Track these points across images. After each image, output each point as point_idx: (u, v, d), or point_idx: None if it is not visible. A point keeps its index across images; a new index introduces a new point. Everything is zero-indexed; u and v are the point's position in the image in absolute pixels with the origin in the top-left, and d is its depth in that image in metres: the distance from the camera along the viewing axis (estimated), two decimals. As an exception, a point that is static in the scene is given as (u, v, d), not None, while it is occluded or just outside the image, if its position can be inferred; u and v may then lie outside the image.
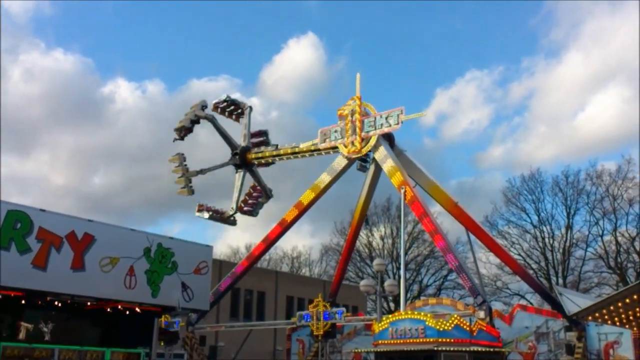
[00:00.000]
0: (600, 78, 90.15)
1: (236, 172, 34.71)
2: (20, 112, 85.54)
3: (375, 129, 28.50)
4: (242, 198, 34.79)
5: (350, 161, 29.76)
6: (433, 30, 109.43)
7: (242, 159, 34.15)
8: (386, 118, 28.25)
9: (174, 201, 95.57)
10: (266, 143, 34.93)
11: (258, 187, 35.16)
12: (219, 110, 34.77)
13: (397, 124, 27.97)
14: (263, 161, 34.09)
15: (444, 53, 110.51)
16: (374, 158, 29.39)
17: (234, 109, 35.18)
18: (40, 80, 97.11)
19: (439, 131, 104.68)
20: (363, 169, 29.73)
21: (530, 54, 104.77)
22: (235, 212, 34.15)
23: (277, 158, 33.47)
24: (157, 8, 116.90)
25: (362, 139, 28.79)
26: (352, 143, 29.02)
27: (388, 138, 29.32)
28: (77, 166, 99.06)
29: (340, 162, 30.07)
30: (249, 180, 35.19)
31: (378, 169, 29.77)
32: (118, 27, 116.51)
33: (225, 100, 34.69)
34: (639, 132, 67.88)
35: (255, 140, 35.14)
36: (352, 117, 29.15)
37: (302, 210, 31.19)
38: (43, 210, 15.92)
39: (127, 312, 17.93)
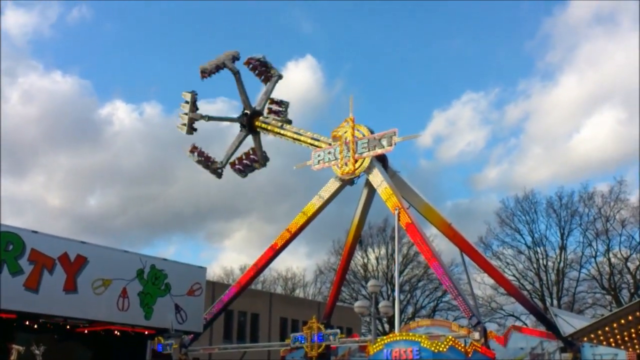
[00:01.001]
0: (596, 100, 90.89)
1: (240, 131, 35.18)
2: (17, 134, 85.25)
3: (369, 151, 28.60)
4: (237, 155, 35.29)
5: (344, 182, 29.81)
6: (430, 52, 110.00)
7: (249, 121, 34.60)
8: (379, 140, 28.38)
9: (170, 222, 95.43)
10: (282, 114, 35.47)
11: (256, 153, 35.42)
12: (250, 66, 35.11)
13: (390, 145, 28.09)
14: (266, 131, 34.37)
15: (441, 75, 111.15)
16: (367, 180, 29.45)
17: (264, 70, 35.44)
18: (38, 101, 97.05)
19: (435, 152, 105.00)
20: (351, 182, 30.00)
21: (527, 77, 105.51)
22: (224, 166, 34.64)
23: (279, 135, 33.64)
24: (155, 31, 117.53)
25: (356, 160, 28.87)
26: (346, 164, 29.10)
27: (382, 159, 29.41)
28: (73, 187, 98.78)
29: (330, 186, 30.10)
30: (250, 144, 35.69)
31: (372, 190, 29.82)
32: (116, 50, 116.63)
33: (259, 60, 35.09)
34: (639, 153, 68.16)
35: (272, 107, 35.72)
36: (345, 138, 29.27)
37: (293, 235, 31.10)
38: (35, 232, 15.88)
39: (120, 335, 17.82)
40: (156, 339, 22.09)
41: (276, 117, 34.86)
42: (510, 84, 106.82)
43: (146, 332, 18.33)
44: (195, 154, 34.20)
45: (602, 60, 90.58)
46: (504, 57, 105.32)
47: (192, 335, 26.86)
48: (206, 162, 34.42)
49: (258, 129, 34.68)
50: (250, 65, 35.11)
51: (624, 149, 78.13)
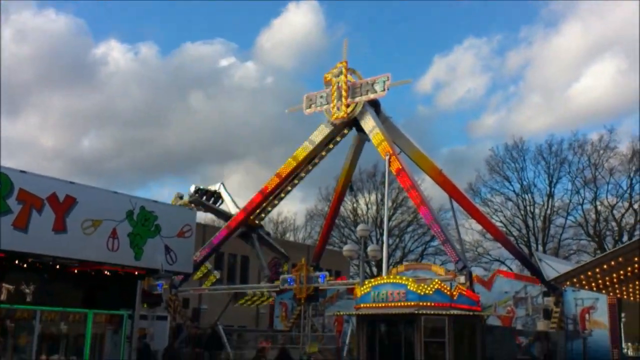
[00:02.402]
0: (597, 49, 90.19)
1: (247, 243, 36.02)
2: (10, 73, 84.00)
3: (361, 95, 28.36)
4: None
5: (336, 127, 29.65)
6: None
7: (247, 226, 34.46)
8: (372, 84, 28.11)
9: (165, 165, 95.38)
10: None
11: (274, 259, 35.88)
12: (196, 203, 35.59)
13: (384, 90, 27.84)
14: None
15: (444, 20, 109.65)
16: (359, 125, 29.27)
17: (208, 195, 36.68)
18: (31, 40, 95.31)
19: (434, 99, 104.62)
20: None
21: (530, 23, 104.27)
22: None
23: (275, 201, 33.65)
24: None
25: (348, 105, 28.65)
26: (338, 109, 28.87)
27: (374, 104, 29.20)
28: (67, 129, 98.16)
29: (321, 131, 29.90)
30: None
31: (363, 135, 29.72)
32: None
33: (196, 192, 35.95)
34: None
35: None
36: (338, 82, 28.96)
37: (283, 179, 31.08)
38: (23, 172, 15.80)
39: (110, 275, 17.98)
40: (146, 279, 22.31)
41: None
42: (513, 30, 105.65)
43: (136, 273, 18.51)
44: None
45: (606, 9, 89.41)
46: (508, 3, 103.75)
47: (182, 276, 27.17)
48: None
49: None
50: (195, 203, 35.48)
51: (623, 98, 78.16)
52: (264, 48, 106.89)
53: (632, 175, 50.80)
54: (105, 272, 17.86)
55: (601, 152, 52.03)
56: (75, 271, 17.41)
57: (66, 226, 16.26)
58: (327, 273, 29.00)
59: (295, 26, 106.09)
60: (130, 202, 18.01)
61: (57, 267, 16.88)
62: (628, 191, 51.05)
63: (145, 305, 26.56)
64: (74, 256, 16.74)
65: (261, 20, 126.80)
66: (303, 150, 30.26)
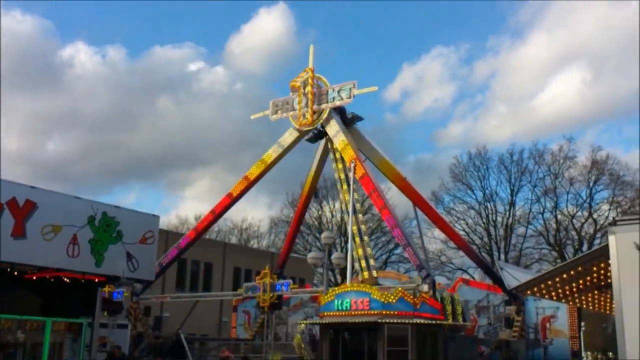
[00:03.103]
0: (563, 60, 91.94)
1: None
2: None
3: (327, 102, 28.44)
4: None
5: (302, 133, 29.66)
6: (404, 5, 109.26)
7: None
8: (338, 91, 28.22)
9: (131, 170, 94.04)
10: None
11: None
12: None
13: (349, 97, 27.99)
14: None
15: (412, 28, 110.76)
16: (325, 131, 29.35)
17: None
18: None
19: (401, 107, 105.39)
20: (312, 140, 29.58)
21: (497, 33, 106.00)
22: None
23: None
24: None
25: (314, 112, 28.68)
26: (304, 115, 28.89)
27: (340, 111, 29.30)
28: (32, 132, 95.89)
29: (288, 136, 29.89)
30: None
31: (329, 142, 29.78)
32: None
33: None
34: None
35: None
36: (304, 89, 28.99)
37: (250, 184, 30.97)
38: (-19, 176, 15.37)
39: (70, 282, 17.59)
40: (107, 286, 21.91)
41: None
42: (481, 39, 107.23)
43: (96, 280, 18.13)
44: None
45: (572, 21, 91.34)
46: (476, 13, 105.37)
47: (143, 283, 26.76)
48: None
49: None
50: None
51: (587, 109, 79.89)
52: (233, 53, 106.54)
53: (591, 185, 51.98)
54: (65, 279, 17.46)
55: (561, 161, 53.12)
56: (34, 278, 16.98)
57: (26, 232, 15.85)
58: (291, 281, 28.86)
59: (266, 31, 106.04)
60: (92, 208, 17.66)
61: (15, 273, 16.44)
62: (587, 201, 52.24)
63: (105, 313, 26.06)
64: (33, 262, 16.31)
65: (231, 25, 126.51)
66: (272, 153, 30.24)
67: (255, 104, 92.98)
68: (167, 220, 72.48)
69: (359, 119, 30.05)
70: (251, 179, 30.71)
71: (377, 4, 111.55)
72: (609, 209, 51.12)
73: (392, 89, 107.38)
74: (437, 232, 47.79)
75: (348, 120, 29.74)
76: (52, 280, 17.29)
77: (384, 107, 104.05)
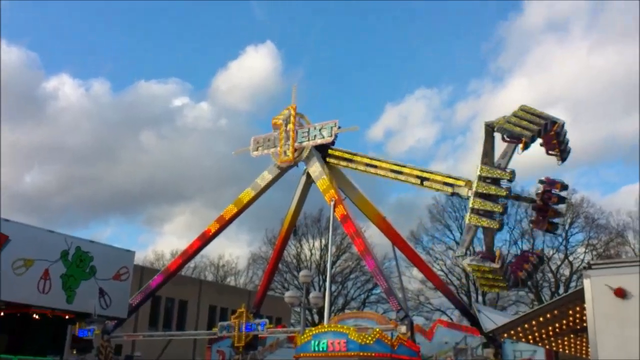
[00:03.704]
0: (541, 104, 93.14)
1: None
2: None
3: (309, 140, 28.57)
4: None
5: (282, 170, 29.66)
6: (389, 48, 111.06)
7: None
8: (320, 130, 28.38)
9: (111, 204, 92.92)
10: None
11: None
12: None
13: (331, 136, 28.17)
14: None
15: (397, 70, 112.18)
16: (305, 169, 29.39)
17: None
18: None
19: (385, 147, 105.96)
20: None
21: (479, 77, 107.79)
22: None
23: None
24: (110, 6, 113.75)
25: (295, 149, 28.76)
26: (285, 152, 28.95)
27: (321, 149, 29.39)
28: (11, 164, 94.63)
29: (268, 174, 29.88)
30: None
31: (309, 179, 29.79)
32: (69, 23, 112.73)
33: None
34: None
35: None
36: (286, 126, 29.12)
37: (227, 222, 30.77)
38: (-48, 208, 15.07)
39: (39, 318, 17.16)
40: (77, 323, 21.41)
41: None
42: (463, 83, 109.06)
43: (66, 317, 17.72)
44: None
45: (551, 66, 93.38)
46: (459, 57, 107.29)
47: (115, 320, 26.20)
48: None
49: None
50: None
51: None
52: (219, 89, 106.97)
53: (567, 227, 52.40)
54: (34, 316, 17.02)
55: (538, 204, 53.54)
56: (2, 314, 16.53)
57: (-5, 266, 15.51)
58: (267, 320, 28.50)
59: (253, 69, 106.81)
60: (65, 242, 17.38)
61: (-18, 309, 16.03)
62: (563, 243, 52.60)
63: (74, 352, 25.43)
64: (2, 298, 15.91)
65: (218, 62, 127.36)
66: (249, 192, 30.14)
67: (239, 141, 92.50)
68: (143, 255, 71.56)
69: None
70: (226, 218, 30.53)
71: (362, 45, 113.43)
72: (585, 252, 51.58)
73: (376, 128, 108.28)
74: (416, 272, 47.70)
75: (329, 158, 29.81)
76: (19, 315, 16.85)
77: (368, 146, 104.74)
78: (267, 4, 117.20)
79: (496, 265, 23.61)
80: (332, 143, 28.85)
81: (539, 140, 25.14)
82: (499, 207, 23.36)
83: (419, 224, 57.66)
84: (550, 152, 26.46)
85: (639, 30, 76.86)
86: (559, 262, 52.97)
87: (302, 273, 28.01)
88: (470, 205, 23.58)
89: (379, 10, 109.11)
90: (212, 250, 74.69)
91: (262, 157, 30.41)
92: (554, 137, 25.34)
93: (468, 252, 25.41)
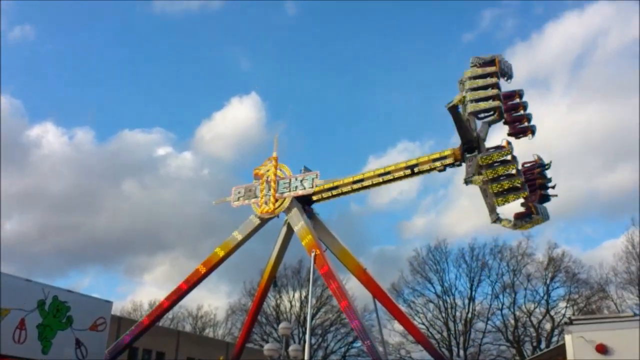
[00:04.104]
0: (522, 159, 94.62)
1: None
2: None
3: (290, 191, 28.69)
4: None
5: (263, 221, 29.62)
6: (372, 99, 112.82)
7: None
8: (301, 181, 28.55)
9: (89, 253, 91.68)
10: None
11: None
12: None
13: (312, 187, 28.32)
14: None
15: (380, 123, 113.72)
16: (286, 220, 29.38)
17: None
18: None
19: (367, 198, 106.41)
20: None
21: None
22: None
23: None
24: (95, 55, 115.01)
25: (276, 200, 28.83)
26: (266, 203, 28.99)
27: (302, 200, 29.46)
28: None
29: (248, 224, 29.77)
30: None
31: (290, 230, 29.73)
32: (54, 72, 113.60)
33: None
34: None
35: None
36: (267, 177, 29.25)
37: (206, 273, 30.28)
38: None
39: (12, 369, 16.72)
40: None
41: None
42: (445, 136, 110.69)
43: (41, 368, 17.29)
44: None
45: (532, 122, 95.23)
46: (441, 111, 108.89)
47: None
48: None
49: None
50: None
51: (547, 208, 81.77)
52: (203, 139, 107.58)
53: (548, 282, 52.63)
54: (7, 367, 16.59)
55: (519, 258, 53.90)
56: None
57: (-31, 315, 15.20)
58: (245, 373, 27.95)
59: (237, 120, 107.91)
60: (42, 291, 17.14)
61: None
62: (545, 298, 52.68)
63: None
64: (-26, 348, 15.55)
65: (203, 112, 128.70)
66: (227, 243, 29.96)
67: (221, 190, 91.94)
68: (121, 306, 70.28)
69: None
70: (205, 269, 30.13)
71: (345, 98, 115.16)
72: (566, 307, 51.67)
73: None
74: (397, 325, 47.36)
75: (310, 209, 29.88)
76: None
77: (350, 197, 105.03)
78: (252, 55, 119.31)
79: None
80: (312, 195, 28.99)
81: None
82: (517, 180, 24.17)
83: (400, 276, 57.55)
84: (519, 134, 27.32)
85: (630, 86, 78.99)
86: (540, 317, 52.91)
87: (281, 325, 27.75)
88: (491, 192, 24.44)
89: (363, 64, 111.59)
90: (191, 301, 73.69)
91: (243, 207, 30.37)
92: (519, 111, 26.98)
93: (499, 215, 25.35)
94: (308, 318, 28.40)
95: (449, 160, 26.66)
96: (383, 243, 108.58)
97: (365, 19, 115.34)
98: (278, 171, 29.30)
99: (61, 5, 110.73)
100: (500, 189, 24.44)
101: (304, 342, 28.87)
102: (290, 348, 25.16)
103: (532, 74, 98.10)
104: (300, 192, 28.57)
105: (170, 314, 60.24)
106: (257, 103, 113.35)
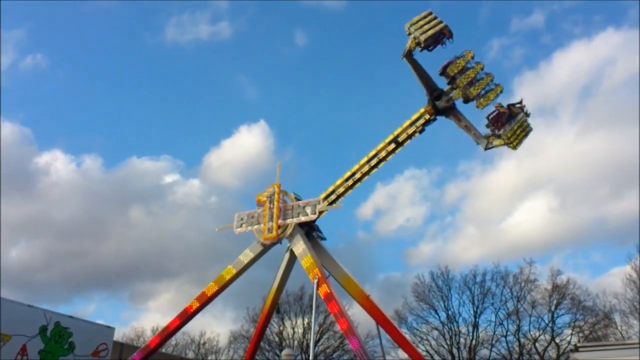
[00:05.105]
0: (530, 187, 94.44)
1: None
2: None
3: (292, 217, 28.73)
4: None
5: (266, 247, 29.61)
6: (379, 126, 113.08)
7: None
8: (304, 207, 28.60)
9: (95, 280, 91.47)
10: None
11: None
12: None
13: (315, 213, 28.35)
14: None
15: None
16: (289, 246, 29.38)
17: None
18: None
19: (374, 225, 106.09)
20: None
21: (468, 159, 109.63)
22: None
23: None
24: (104, 83, 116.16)
25: (279, 226, 28.87)
26: (269, 229, 29.02)
27: (308, 227, 29.49)
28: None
29: (251, 251, 29.79)
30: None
31: (292, 257, 29.71)
32: (64, 99, 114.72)
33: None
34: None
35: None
36: (270, 203, 29.32)
37: (209, 299, 30.33)
38: None
39: (13, 396, 16.65)
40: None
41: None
42: (452, 164, 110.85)
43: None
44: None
45: (539, 150, 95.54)
46: (448, 139, 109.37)
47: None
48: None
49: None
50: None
51: (552, 235, 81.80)
52: (211, 167, 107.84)
53: (553, 309, 52.24)
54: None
55: (523, 284, 53.59)
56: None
57: (-29, 341, 15.20)
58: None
59: (245, 148, 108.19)
60: (44, 317, 17.16)
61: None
62: (550, 325, 52.27)
63: None
64: (-25, 374, 15.53)
65: (211, 140, 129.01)
66: (230, 270, 29.91)
67: (228, 218, 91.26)
68: (123, 332, 69.90)
69: (322, 238, 30.25)
70: (208, 295, 30.09)
71: (351, 127, 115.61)
72: (571, 334, 51.22)
73: (366, 207, 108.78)
74: (401, 352, 46.94)
75: (313, 236, 29.88)
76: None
77: (357, 224, 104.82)
78: (262, 84, 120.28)
79: None
80: (315, 221, 29.11)
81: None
82: (490, 77, 26.36)
83: (404, 303, 57.24)
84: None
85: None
86: (545, 344, 52.43)
87: (284, 351, 27.54)
88: (473, 95, 26.32)
89: (370, 90, 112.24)
90: (194, 328, 73.17)
91: (246, 234, 30.38)
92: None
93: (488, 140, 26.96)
94: (311, 345, 28.23)
95: (424, 118, 27.68)
96: (389, 270, 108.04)
97: (375, 49, 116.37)
98: (281, 198, 29.39)
99: (72, 32, 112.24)
100: (479, 91, 26.17)
101: (307, 369, 28.57)
102: (293, 375, 24.95)
103: (540, 103, 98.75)
104: (303, 219, 28.60)
105: (173, 340, 59.93)
106: (266, 131, 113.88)
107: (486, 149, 27.36)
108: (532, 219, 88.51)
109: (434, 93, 27.27)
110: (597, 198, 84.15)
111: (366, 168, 28.42)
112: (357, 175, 28.49)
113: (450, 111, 27.57)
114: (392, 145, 28.03)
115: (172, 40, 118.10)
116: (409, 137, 28.16)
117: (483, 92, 26.18)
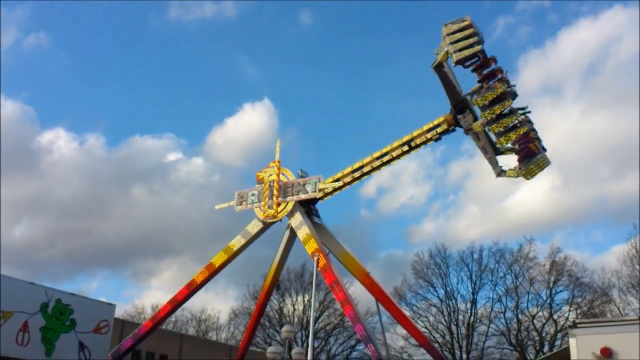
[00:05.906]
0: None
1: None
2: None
3: (292, 195, 28.69)
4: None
5: (266, 225, 29.64)
6: (384, 104, 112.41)
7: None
8: (304, 185, 28.55)
9: (97, 258, 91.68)
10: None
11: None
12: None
13: (315, 191, 28.32)
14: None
15: (390, 129, 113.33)
16: (289, 224, 29.40)
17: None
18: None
19: (377, 203, 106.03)
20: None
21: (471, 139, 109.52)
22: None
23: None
24: (107, 61, 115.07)
25: (279, 204, 28.85)
26: (269, 207, 29.01)
27: (306, 204, 29.48)
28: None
29: (255, 225, 29.84)
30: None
31: (293, 234, 29.75)
32: (67, 78, 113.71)
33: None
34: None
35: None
36: (270, 181, 29.27)
37: (213, 272, 30.46)
38: None
39: (16, 372, 16.77)
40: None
41: None
42: (456, 143, 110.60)
43: (45, 370, 17.34)
44: None
45: (544, 129, 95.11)
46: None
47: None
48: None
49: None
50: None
51: (555, 213, 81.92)
52: (215, 145, 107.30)
53: (551, 286, 52.49)
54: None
55: (522, 262, 53.79)
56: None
57: (-27, 317, 15.25)
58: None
59: (249, 126, 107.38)
60: (46, 294, 17.20)
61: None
62: (548, 301, 52.56)
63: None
64: (-23, 350, 15.61)
65: (215, 118, 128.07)
66: (237, 241, 30.00)
67: (230, 196, 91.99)
68: (124, 309, 70.31)
69: (318, 217, 30.28)
70: (215, 266, 30.25)
71: (355, 105, 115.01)
72: (569, 310, 51.53)
73: (369, 185, 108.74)
74: (400, 329, 47.27)
75: (313, 214, 29.90)
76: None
77: (360, 203, 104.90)
78: (266, 62, 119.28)
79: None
80: (316, 200, 29.09)
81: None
82: (515, 116, 24.99)
83: (403, 280, 57.50)
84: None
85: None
86: (543, 320, 52.79)
87: (284, 328, 27.74)
88: (495, 132, 25.12)
89: (376, 75, 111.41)
90: (194, 304, 73.63)
91: (247, 212, 30.39)
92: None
93: (502, 168, 26.82)
94: (311, 321, 28.41)
95: (442, 127, 26.92)
96: (392, 248, 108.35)
97: (381, 28, 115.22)
98: (281, 175, 29.32)
99: (75, 11, 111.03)
100: (501, 129, 24.95)
101: (307, 345, 28.70)
102: (293, 351, 25.18)
103: (545, 81, 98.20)
104: (303, 197, 28.58)
105: (173, 317, 60.27)
106: (270, 109, 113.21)
107: (498, 175, 27.06)
108: (535, 197, 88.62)
109: (458, 105, 26.34)
110: (600, 177, 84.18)
111: (377, 163, 28.15)
112: (366, 169, 28.26)
113: (469, 130, 26.94)
114: (405, 148, 27.56)
115: (176, 18, 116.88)
116: (425, 142, 27.52)
117: (504, 130, 25.01)
